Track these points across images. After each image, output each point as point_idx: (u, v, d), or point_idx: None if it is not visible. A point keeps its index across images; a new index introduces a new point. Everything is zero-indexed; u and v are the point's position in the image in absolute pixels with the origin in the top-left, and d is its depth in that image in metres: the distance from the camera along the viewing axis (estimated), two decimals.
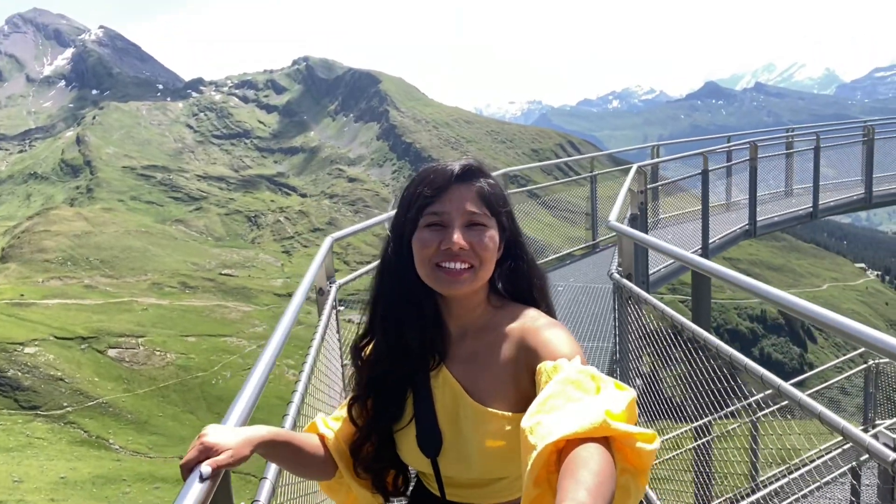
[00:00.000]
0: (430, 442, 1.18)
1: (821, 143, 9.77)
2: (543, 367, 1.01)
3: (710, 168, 7.56)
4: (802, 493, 5.85)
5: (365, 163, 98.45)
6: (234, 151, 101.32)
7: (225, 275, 60.30)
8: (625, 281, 2.85)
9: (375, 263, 3.64)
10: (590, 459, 0.76)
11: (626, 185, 4.67)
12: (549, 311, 1.21)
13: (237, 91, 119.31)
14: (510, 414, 1.09)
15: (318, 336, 2.31)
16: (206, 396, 36.69)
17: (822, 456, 6.47)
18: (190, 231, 76.54)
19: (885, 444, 1.37)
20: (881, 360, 7.62)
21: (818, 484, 5.89)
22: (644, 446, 0.82)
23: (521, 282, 1.21)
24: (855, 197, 10.62)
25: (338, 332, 2.88)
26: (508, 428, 1.08)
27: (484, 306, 1.20)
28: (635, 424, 0.85)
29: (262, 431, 1.13)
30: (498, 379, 1.13)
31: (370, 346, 1.27)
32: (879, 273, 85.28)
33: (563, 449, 0.80)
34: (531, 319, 1.14)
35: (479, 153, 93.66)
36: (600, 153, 8.29)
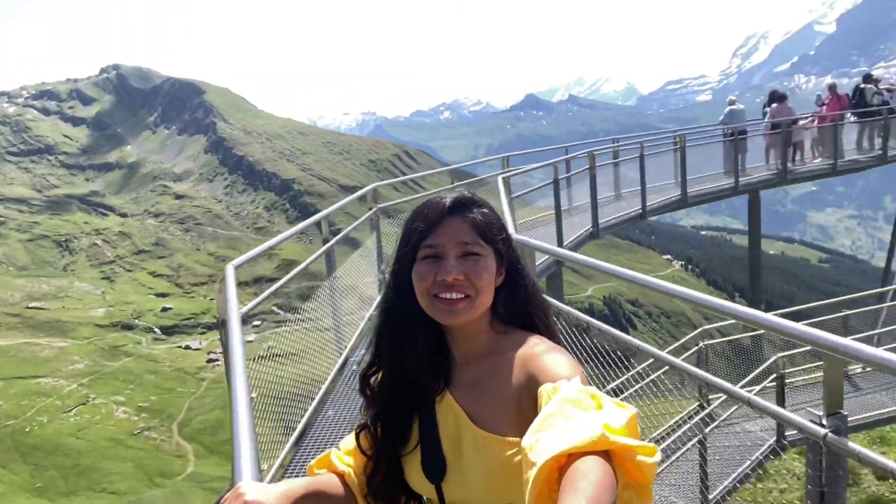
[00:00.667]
0: (434, 467, 1.19)
1: (644, 152, 10.94)
2: (544, 389, 1.03)
3: (559, 177, 8.14)
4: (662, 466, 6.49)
5: (193, 178, 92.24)
6: (36, 169, 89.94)
7: (33, 308, 53.25)
8: None
9: (273, 288, 3.45)
10: (589, 471, 0.78)
11: (503, 197, 4.89)
12: (551, 335, 1.25)
13: (35, 102, 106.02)
14: (512, 439, 1.10)
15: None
16: (19, 446, 32.15)
17: (671, 432, 7.26)
18: None
19: (813, 422, 1.60)
20: (710, 342, 8.71)
21: (673, 459, 6.59)
22: (645, 459, 0.83)
23: (520, 307, 1.25)
24: (673, 198, 12.02)
25: (244, 361, 2.70)
26: (511, 453, 1.10)
27: (487, 333, 1.24)
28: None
29: (298, 486, 1.13)
30: (500, 404, 1.15)
31: (377, 376, 1.29)
32: (683, 263, 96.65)
33: (564, 466, 0.82)
34: (532, 345, 1.17)
35: (315, 164, 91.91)
36: (454, 166, 8.53)
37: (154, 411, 37.34)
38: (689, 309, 65.82)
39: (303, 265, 4.54)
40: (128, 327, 50.59)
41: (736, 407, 7.24)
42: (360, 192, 6.90)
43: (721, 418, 7.45)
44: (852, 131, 15.48)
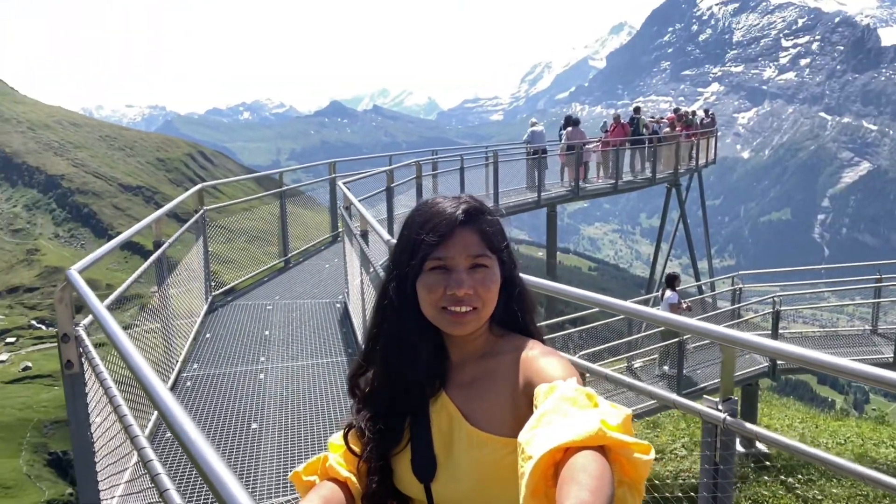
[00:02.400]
0: (425, 467, 1.18)
1: (464, 164, 11.51)
2: (540, 389, 1.04)
3: (390, 185, 8.22)
4: None
5: None
6: None
7: None
8: None
9: (116, 294, 3.03)
10: (588, 465, 0.79)
11: (355, 201, 4.81)
12: (541, 338, 1.28)
13: None
14: (507, 439, 1.12)
15: (93, 399, 1.85)
16: None
17: None
18: None
19: (710, 407, 1.81)
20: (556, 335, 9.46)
21: None
22: (640, 457, 0.84)
23: (514, 311, 1.27)
24: None
25: (102, 381, 2.33)
26: (504, 453, 1.11)
27: (485, 336, 1.25)
28: None
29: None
30: (495, 405, 1.16)
31: (366, 376, 1.27)
32: None
33: (560, 461, 0.83)
34: (528, 348, 1.20)
35: (91, 160, 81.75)
36: (283, 170, 8.13)
37: None
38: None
39: (139, 272, 4.04)
40: None
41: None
42: (189, 192, 6.32)
43: None
44: (629, 155, 17.85)
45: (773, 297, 10.72)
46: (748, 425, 1.74)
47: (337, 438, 1.29)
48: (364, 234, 4.57)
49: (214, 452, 1.09)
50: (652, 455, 0.85)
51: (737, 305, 11.97)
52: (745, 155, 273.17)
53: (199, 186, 6.38)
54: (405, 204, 10.30)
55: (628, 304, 2.19)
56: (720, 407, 1.77)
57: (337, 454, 1.27)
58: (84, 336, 2.40)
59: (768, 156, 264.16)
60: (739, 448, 7.71)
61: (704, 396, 1.80)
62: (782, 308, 10.59)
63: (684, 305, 10.33)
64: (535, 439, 0.86)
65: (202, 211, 6.17)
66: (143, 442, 1.55)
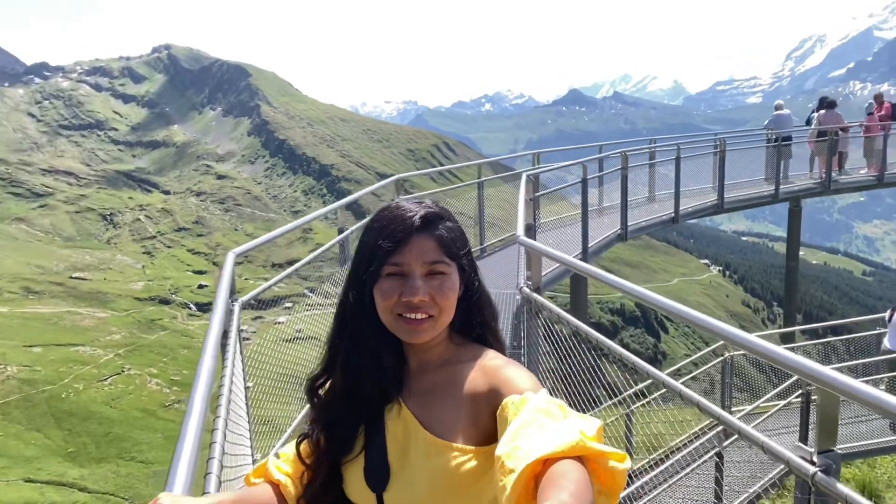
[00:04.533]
0: (378, 476, 1.17)
1: (681, 154, 10.64)
2: (510, 400, 1.02)
3: (587, 177, 7.97)
4: (676, 478, 6.35)
5: (235, 159, 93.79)
6: (86, 144, 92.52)
7: (76, 278, 54.79)
8: (535, 295, 2.92)
9: (281, 277, 3.45)
10: (568, 472, 0.79)
11: (522, 196, 4.81)
12: (502, 348, 1.25)
13: (88, 78, 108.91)
14: (463, 446, 1.09)
15: (229, 363, 2.13)
16: (54, 412, 33.16)
17: (687, 443, 7.09)
18: (33, 230, 68.94)
19: (803, 458, 1.49)
20: (736, 353, 8.46)
21: (688, 471, 6.43)
22: (616, 465, 0.85)
23: (473, 319, 1.25)
24: (709, 203, 11.69)
25: (241, 352, 2.70)
26: (461, 461, 1.08)
27: (445, 344, 1.23)
28: None
29: (225, 499, 1.12)
30: (454, 413, 1.13)
31: (326, 385, 1.27)
32: (721, 268, 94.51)
33: (540, 473, 0.82)
34: (490, 358, 1.17)
35: (354, 151, 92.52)
36: (485, 160, 8.46)
37: (186, 385, 38.16)
38: (725, 315, 64.45)
39: (308, 258, 4.54)
40: (165, 302, 51.71)
41: (758, 422, 7.03)
42: (378, 184, 6.88)
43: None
44: None
45: None
46: (840, 486, 1.36)
47: (288, 448, 1.32)
48: (529, 228, 4.54)
49: None
50: (628, 464, 0.85)
51: None
52: None
53: (395, 177, 6.86)
54: (611, 197, 9.90)
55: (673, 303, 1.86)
56: (814, 459, 1.41)
57: (280, 459, 1.30)
58: (236, 311, 2.78)
59: None
60: None
61: (797, 444, 1.46)
62: None
63: None
64: (517, 451, 0.86)
65: (395, 200, 6.66)
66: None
